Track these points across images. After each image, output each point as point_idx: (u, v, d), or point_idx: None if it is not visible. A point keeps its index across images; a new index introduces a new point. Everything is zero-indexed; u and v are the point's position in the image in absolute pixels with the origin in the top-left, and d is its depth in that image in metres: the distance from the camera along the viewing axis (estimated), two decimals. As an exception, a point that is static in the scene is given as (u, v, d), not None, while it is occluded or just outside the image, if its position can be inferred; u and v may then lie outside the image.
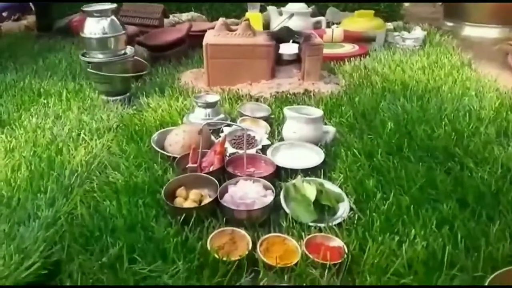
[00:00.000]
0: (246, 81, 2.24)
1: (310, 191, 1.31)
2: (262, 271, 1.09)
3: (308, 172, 1.43)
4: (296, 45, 2.35)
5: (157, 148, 1.55)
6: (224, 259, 1.10)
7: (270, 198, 1.27)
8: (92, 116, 1.91)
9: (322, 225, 1.24)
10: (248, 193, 1.26)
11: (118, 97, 2.15)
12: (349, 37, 3.09)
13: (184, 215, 1.22)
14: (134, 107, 2.06)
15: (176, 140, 1.53)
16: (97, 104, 2.08)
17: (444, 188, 1.37)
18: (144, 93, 2.17)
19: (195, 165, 1.36)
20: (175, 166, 1.44)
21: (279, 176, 1.44)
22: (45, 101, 2.08)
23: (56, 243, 1.14)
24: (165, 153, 1.53)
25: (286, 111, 1.65)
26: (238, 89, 2.16)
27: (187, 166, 1.37)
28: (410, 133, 1.69)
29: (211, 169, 1.39)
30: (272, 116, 1.88)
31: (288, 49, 2.37)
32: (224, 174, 1.39)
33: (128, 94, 2.19)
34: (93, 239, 1.17)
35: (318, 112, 1.64)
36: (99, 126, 1.82)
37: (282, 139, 1.68)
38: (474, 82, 2.33)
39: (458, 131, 1.70)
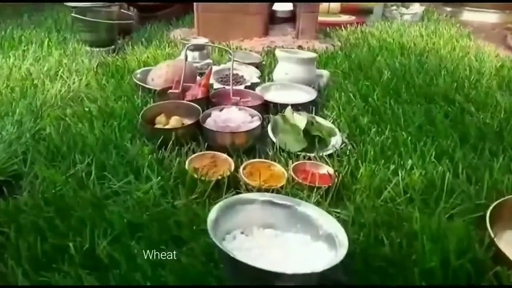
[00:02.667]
0: (237, 37, 2.15)
1: (300, 120, 1.21)
2: (244, 192, 0.99)
3: (298, 107, 1.33)
4: (291, 4, 2.26)
5: (138, 82, 1.44)
6: (203, 178, 1.00)
7: (256, 123, 1.16)
8: (73, 59, 1.81)
9: (311, 154, 1.14)
10: (233, 118, 1.16)
11: (103, 48, 2.04)
12: (346, 9, 3.00)
13: (162, 137, 1.11)
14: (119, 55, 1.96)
15: (159, 74, 1.43)
16: (79, 53, 1.97)
17: (444, 127, 1.28)
18: (130, 44, 2.07)
19: (177, 91, 1.26)
20: (156, 97, 1.34)
21: (268, 110, 1.34)
22: (25, 48, 1.97)
23: (18, 157, 1.03)
24: (147, 85, 1.42)
25: (278, 52, 1.55)
26: (229, 43, 2.07)
27: (168, 92, 1.27)
28: (408, 81, 1.60)
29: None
30: (263, 62, 1.78)
31: (283, 6, 2.27)
32: (208, 105, 1.29)
33: (113, 46, 2.08)
34: (60, 156, 1.06)
35: (311, 54, 1.54)
36: (79, 68, 1.71)
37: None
38: (473, 49, 2.25)
39: (458, 81, 1.61)
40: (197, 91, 1.33)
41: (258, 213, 0.84)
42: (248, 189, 1.00)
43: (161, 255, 0.79)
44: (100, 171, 1.03)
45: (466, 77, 1.66)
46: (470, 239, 0.83)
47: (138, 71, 1.54)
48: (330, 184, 1.01)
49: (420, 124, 1.29)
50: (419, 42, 2.25)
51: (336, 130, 1.25)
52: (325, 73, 1.57)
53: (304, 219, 0.83)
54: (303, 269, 0.68)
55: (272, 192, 0.98)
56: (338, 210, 0.96)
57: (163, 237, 0.84)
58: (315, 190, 0.99)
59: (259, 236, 0.82)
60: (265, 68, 1.73)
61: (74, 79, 1.57)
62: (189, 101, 1.25)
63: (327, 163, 1.11)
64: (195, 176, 1.01)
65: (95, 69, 1.65)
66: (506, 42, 2.88)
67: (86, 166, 1.03)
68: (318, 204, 0.96)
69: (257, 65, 1.71)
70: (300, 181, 1.02)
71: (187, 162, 1.05)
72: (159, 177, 0.99)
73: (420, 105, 1.40)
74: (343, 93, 1.46)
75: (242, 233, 0.83)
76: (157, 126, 1.20)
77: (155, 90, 1.37)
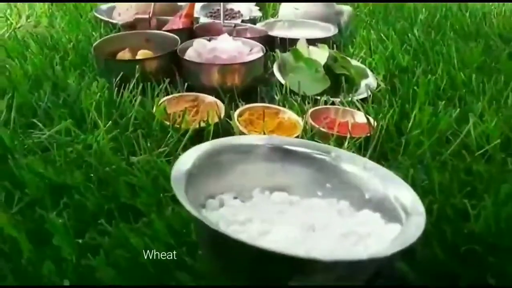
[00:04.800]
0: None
1: (318, 54, 0.90)
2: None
3: (315, 44, 1.01)
4: None
5: (100, 16, 1.13)
6: (177, 125, 0.69)
7: (257, 55, 0.85)
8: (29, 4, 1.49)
9: (337, 99, 0.83)
10: (224, 47, 0.84)
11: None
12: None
13: (121, 73, 0.80)
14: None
15: (128, 6, 1.12)
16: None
17: (513, 67, 0.97)
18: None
19: (147, 16, 0.94)
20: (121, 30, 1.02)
21: (273, 48, 1.01)
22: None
23: None
24: (111, 20, 1.11)
25: (285, -18, 1.23)
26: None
27: (134, 17, 0.95)
28: (452, 21, 1.28)
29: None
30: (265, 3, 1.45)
31: None
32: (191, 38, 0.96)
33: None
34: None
35: (328, -16, 1.23)
36: (32, 11, 1.39)
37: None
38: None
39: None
40: (177, 23, 1.01)
41: (262, 167, 0.53)
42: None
43: (95, 233, 0.48)
44: (28, 117, 0.72)
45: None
46: None
47: (103, 6, 1.22)
48: (369, 134, 0.70)
49: (480, 65, 0.98)
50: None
51: (368, 70, 0.94)
52: (346, 9, 1.25)
53: (339, 176, 0.52)
54: (352, 254, 0.37)
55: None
56: (385, 169, 0.65)
57: (105, 206, 0.53)
58: (346, 142, 0.68)
59: (263, 203, 0.51)
60: (268, 9, 1.40)
61: (22, 20, 1.25)
62: (166, 31, 0.94)
63: (359, 110, 0.80)
64: (166, 123, 0.70)
65: (49, 8, 1.33)
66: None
67: (6, 110, 0.71)
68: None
69: (257, 5, 1.38)
70: (323, 129, 0.71)
71: (155, 105, 0.74)
72: (110, 123, 0.68)
73: (477, 43, 1.08)
74: (372, 31, 1.14)
75: (235, 198, 0.51)
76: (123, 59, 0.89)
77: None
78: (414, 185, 0.59)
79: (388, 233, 0.42)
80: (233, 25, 0.97)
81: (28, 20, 1.25)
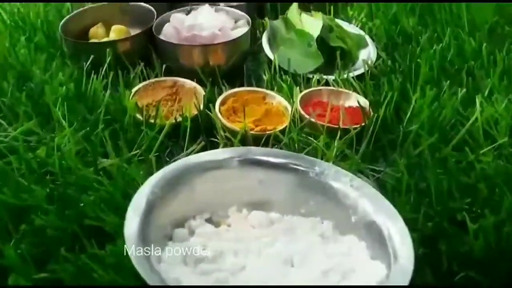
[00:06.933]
0: None
1: (312, 24, 0.83)
2: (222, 142, 0.64)
3: (309, 7, 0.93)
4: None
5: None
6: (152, 121, 0.64)
7: (242, 30, 0.78)
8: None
9: (331, 77, 0.77)
10: (204, 23, 0.77)
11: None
12: None
13: (92, 56, 0.74)
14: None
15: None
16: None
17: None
18: None
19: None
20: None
21: (262, 12, 0.94)
22: None
23: None
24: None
25: None
26: None
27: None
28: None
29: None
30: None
31: None
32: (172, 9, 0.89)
33: None
34: None
35: None
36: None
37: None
38: None
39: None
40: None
41: (238, 183, 0.49)
42: (228, 137, 0.65)
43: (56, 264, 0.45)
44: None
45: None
46: None
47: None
48: (364, 124, 0.65)
49: (492, 26, 0.90)
50: None
51: (367, 38, 0.87)
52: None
53: (323, 193, 0.48)
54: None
55: (267, 139, 0.63)
56: (379, 168, 0.61)
57: (68, 230, 0.49)
58: (338, 134, 0.63)
59: (239, 226, 0.47)
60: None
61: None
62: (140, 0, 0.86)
63: (355, 91, 0.74)
64: (140, 118, 0.65)
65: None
66: None
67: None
68: (344, 157, 0.61)
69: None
70: (313, 120, 0.66)
71: (129, 97, 0.69)
72: (78, 122, 0.63)
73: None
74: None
75: (208, 219, 0.48)
76: (92, 40, 0.82)
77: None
78: (408, 190, 0.55)
79: (372, 274, 0.39)
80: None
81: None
